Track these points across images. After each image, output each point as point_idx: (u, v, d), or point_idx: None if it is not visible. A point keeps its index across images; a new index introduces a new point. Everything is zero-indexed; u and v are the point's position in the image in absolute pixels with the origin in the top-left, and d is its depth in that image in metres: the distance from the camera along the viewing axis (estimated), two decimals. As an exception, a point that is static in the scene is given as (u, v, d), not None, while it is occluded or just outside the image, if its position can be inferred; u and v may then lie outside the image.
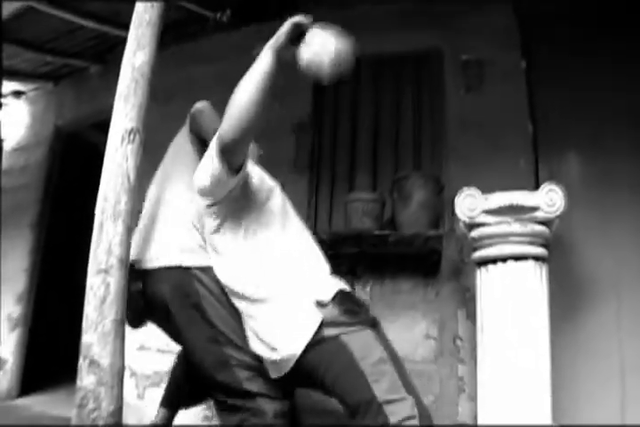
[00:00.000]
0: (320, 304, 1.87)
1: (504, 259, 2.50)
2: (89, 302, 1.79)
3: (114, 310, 1.79)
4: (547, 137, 3.31)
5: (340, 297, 1.90)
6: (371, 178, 3.54)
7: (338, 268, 3.21)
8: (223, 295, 2.07)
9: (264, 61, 1.90)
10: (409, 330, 3.12)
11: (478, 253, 2.59)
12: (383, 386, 1.74)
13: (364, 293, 3.22)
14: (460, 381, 3.02)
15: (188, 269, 2.15)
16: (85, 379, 1.76)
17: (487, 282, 2.55)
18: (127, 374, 3.42)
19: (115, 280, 1.80)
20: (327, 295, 1.89)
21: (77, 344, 1.82)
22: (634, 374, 2.94)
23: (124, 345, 1.85)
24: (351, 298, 1.96)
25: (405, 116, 3.62)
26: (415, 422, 1.71)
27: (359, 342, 1.82)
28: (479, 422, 2.53)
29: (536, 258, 2.50)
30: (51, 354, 4.87)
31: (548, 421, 2.44)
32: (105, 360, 1.76)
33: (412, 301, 3.17)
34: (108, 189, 1.86)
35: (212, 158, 1.87)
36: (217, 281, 2.07)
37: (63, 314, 5.41)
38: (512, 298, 2.47)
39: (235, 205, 1.99)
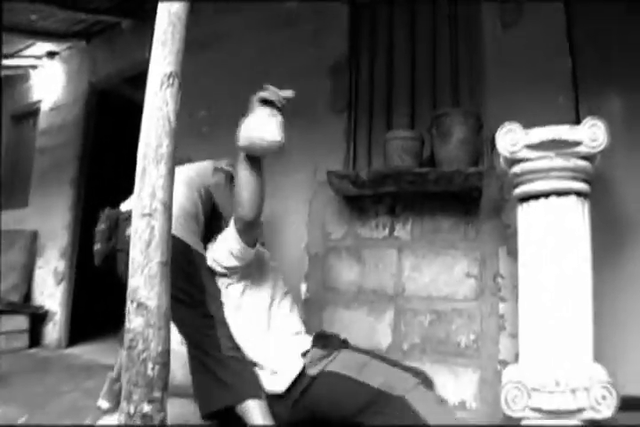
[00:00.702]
0: (304, 354, 2.32)
1: (546, 194, 2.47)
2: (134, 246, 1.82)
3: (159, 253, 1.82)
4: (586, 74, 3.20)
5: (314, 340, 2.37)
6: (409, 116, 3.49)
7: (377, 207, 3.29)
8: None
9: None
10: (449, 269, 3.14)
11: (519, 189, 2.56)
12: (375, 378, 2.07)
13: (403, 231, 3.24)
14: (501, 319, 3.02)
15: (188, 245, 2.54)
16: (134, 321, 1.81)
17: (528, 218, 2.53)
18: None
19: (159, 224, 1.83)
20: (306, 346, 2.35)
21: (120, 297, 1.88)
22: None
23: (170, 287, 1.89)
24: (321, 336, 2.42)
25: (442, 53, 3.53)
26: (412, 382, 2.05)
27: (340, 363, 2.21)
28: (520, 360, 2.55)
29: (578, 193, 2.47)
30: (96, 306, 5.01)
31: (590, 359, 2.44)
32: (152, 302, 1.81)
33: (452, 239, 3.17)
34: (149, 134, 1.87)
35: (234, 240, 2.33)
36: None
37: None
38: (554, 234, 2.45)
39: (250, 269, 2.47)
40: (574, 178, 2.47)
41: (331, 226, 3.38)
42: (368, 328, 3.24)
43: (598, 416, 2.36)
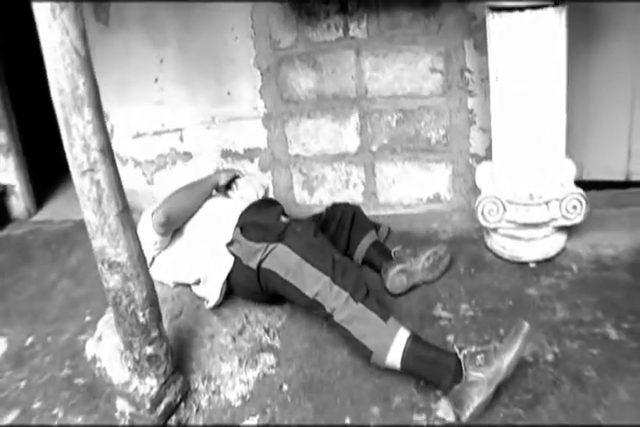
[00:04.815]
0: (229, 244, 2.36)
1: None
2: (86, 207, 1.64)
3: (113, 204, 1.65)
4: None
5: (243, 230, 2.36)
6: None
7: (326, 7, 2.91)
8: None
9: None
10: (412, 65, 2.88)
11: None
12: (308, 284, 2.09)
13: (359, 30, 2.89)
14: (470, 113, 2.92)
15: None
16: (110, 280, 1.74)
17: (502, 28, 2.26)
18: (131, 164, 3.40)
19: (103, 174, 1.61)
20: (229, 237, 2.37)
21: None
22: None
23: (135, 227, 1.78)
24: (253, 226, 2.38)
25: None
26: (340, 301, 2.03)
27: (277, 261, 2.20)
28: (494, 154, 2.56)
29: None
30: (53, 168, 4.69)
31: (562, 153, 2.48)
32: (122, 257, 1.70)
33: (412, 34, 2.84)
34: (58, 77, 1.51)
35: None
36: None
37: (50, 130, 5.16)
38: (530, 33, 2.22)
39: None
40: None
41: (278, 34, 2.97)
42: (334, 135, 3.11)
43: (569, 223, 2.50)
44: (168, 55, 3.10)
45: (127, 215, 1.71)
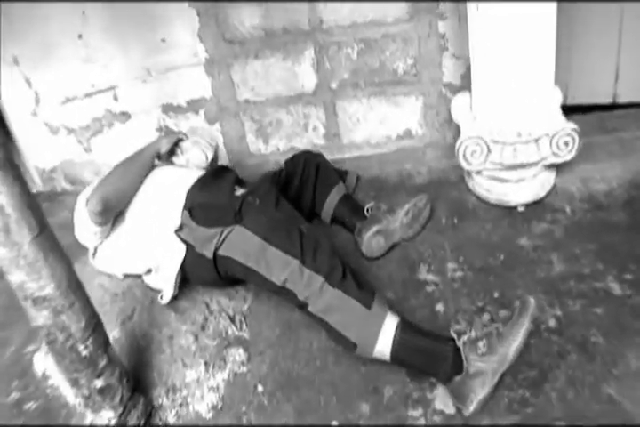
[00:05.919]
0: (178, 230, 2.04)
1: None
2: (-8, 241, 1.33)
3: (26, 230, 1.34)
4: None
5: (193, 213, 2.04)
6: None
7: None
8: None
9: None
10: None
11: None
12: (274, 271, 1.83)
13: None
14: (442, 39, 2.60)
15: None
16: (38, 318, 1.46)
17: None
18: (64, 133, 3.01)
19: (6, 196, 1.29)
20: (177, 221, 2.05)
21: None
22: (629, 49, 2.67)
23: (59, 245, 1.48)
24: (204, 207, 2.07)
25: None
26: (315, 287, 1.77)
27: (234, 246, 1.93)
28: (473, 87, 2.28)
29: None
30: None
31: (552, 81, 2.20)
32: (48, 289, 1.42)
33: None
34: None
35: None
36: None
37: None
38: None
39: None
40: None
41: (215, -35, 2.53)
42: (287, 75, 2.77)
43: (559, 161, 2.29)
44: (89, 6, 2.66)
45: (46, 236, 1.40)
